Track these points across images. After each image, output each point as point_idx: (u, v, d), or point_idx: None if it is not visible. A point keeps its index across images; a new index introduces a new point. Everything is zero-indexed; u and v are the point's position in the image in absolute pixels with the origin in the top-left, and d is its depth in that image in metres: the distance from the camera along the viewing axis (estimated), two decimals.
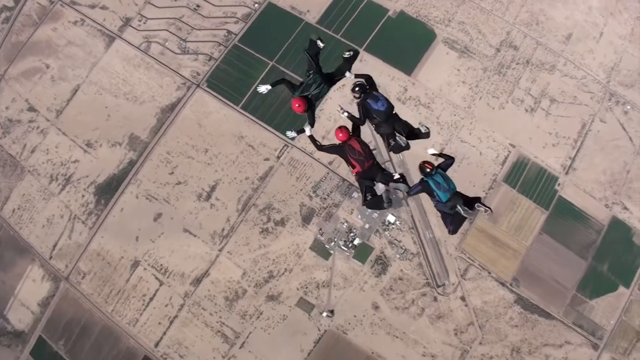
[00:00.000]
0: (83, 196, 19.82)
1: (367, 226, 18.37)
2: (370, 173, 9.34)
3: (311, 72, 9.55)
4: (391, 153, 16.29)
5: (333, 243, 18.39)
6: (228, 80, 20.04)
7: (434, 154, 10.03)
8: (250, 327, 18.40)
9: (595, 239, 18.87)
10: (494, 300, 18.17)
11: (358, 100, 9.75)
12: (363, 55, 19.88)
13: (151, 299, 18.97)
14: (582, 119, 19.66)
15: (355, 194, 18.56)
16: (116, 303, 19.15)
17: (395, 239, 18.47)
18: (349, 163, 9.33)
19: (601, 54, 20.25)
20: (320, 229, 18.55)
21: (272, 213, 18.93)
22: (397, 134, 9.82)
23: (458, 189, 9.91)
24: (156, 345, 18.72)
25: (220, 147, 19.49)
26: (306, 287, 18.45)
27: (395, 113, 9.75)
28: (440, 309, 18.15)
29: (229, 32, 20.57)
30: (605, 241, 18.85)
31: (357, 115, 9.99)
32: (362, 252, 18.33)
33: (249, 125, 19.61)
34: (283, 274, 18.58)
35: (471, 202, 9.67)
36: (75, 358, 19.09)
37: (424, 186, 9.41)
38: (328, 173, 18.70)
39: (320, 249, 18.53)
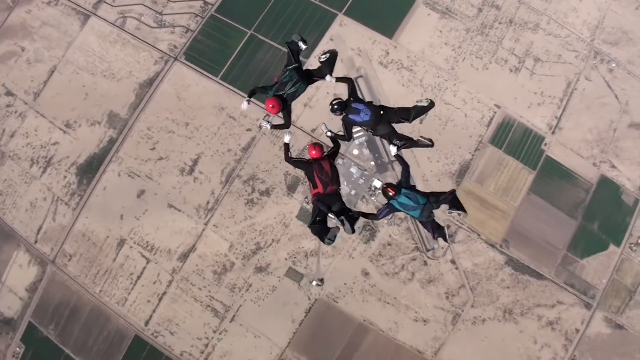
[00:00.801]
0: (65, 177, 19.15)
1: (353, 192, 17.78)
2: (329, 200, 8.87)
3: (288, 67, 8.86)
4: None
5: None
6: (206, 51, 19.33)
7: (392, 154, 9.31)
8: (240, 300, 17.87)
9: (584, 198, 18.39)
10: (485, 262, 17.68)
11: (340, 117, 9.17)
12: (343, 19, 19.16)
13: (139, 277, 18.40)
14: (567, 77, 19.10)
15: (340, 160, 17.89)
16: (104, 283, 18.57)
17: (382, 204, 17.85)
18: (312, 181, 8.87)
19: (585, 11, 19.64)
20: (306, 197, 17.96)
21: (257, 183, 18.31)
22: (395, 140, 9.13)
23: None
24: (146, 323, 18.22)
25: (201, 120, 18.81)
26: (294, 257, 17.90)
27: (385, 109, 9.21)
28: (430, 273, 17.65)
29: (205, 2, 19.84)
30: (594, 200, 18.38)
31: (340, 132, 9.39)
32: None
33: (230, 96, 18.91)
34: (270, 244, 18.01)
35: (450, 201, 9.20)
36: (65, 341, 18.54)
37: (391, 209, 9.11)
38: (311, 140, 18.01)
39: (307, 218, 17.90)
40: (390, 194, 8.88)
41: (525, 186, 18.22)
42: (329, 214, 8.87)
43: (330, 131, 9.33)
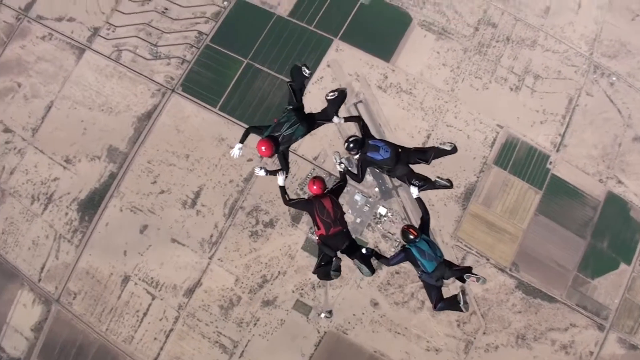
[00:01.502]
0: (66, 214, 18.54)
1: (358, 220, 17.16)
2: (335, 241, 7.90)
3: (288, 107, 8.02)
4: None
5: None
6: (203, 82, 18.77)
7: (414, 196, 8.41)
8: (248, 334, 17.23)
9: (592, 216, 17.79)
10: (495, 287, 17.04)
11: (356, 157, 8.31)
12: (339, 44, 18.62)
13: (145, 314, 17.77)
14: (568, 93, 18.55)
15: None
16: (110, 321, 17.94)
17: (389, 232, 17.28)
18: (314, 222, 7.93)
19: (581, 25, 19.09)
20: (311, 228, 17.32)
21: (260, 215, 17.69)
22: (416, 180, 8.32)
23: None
24: None
25: (201, 152, 18.23)
26: (302, 289, 17.27)
27: (403, 148, 8.38)
28: None
29: (200, 32, 19.25)
30: (602, 217, 17.79)
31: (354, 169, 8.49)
32: None
33: (229, 126, 18.33)
34: (277, 277, 17.39)
35: (461, 275, 8.36)
36: None
37: (407, 254, 8.07)
38: (314, 169, 17.46)
39: (313, 248, 17.30)
40: (412, 236, 7.94)
41: (532, 207, 17.61)
42: (339, 256, 7.91)
43: (342, 163, 8.43)
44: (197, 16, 19.44)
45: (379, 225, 17.22)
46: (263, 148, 7.72)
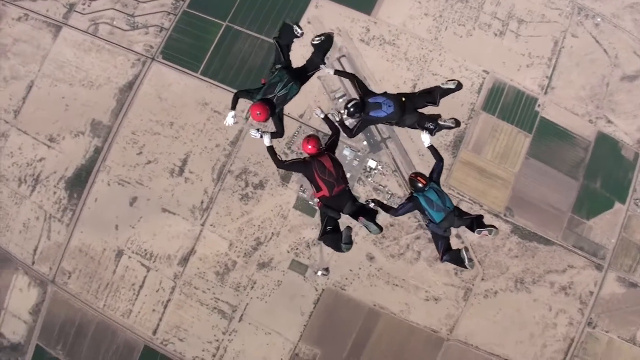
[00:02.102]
0: (55, 193, 18.14)
1: (348, 175, 16.77)
2: (338, 202, 7.35)
3: (277, 67, 7.52)
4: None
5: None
6: (183, 48, 18.32)
7: (427, 145, 7.96)
8: (246, 298, 16.97)
9: (583, 156, 17.50)
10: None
11: (358, 119, 7.75)
12: (318, 1, 18.13)
13: (141, 286, 17.50)
14: (553, 36, 18.16)
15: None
16: (106, 297, 17.67)
17: (380, 185, 16.96)
18: (314, 183, 7.33)
19: None
20: (302, 186, 17.01)
21: (250, 177, 17.34)
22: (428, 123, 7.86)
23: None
24: (154, 332, 17.35)
25: (186, 118, 17.82)
26: (297, 249, 16.98)
27: (407, 96, 7.86)
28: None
29: None
30: (594, 158, 17.51)
31: (345, 124, 7.78)
32: None
33: (212, 90, 17.91)
34: (271, 238, 17.08)
35: (472, 224, 7.79)
36: None
37: (414, 204, 7.61)
38: (300, 126, 17.13)
39: (305, 207, 17.03)
40: (420, 184, 7.46)
41: (523, 150, 17.31)
42: (342, 217, 7.36)
43: (333, 115, 7.88)
44: None
45: (369, 179, 16.89)
46: (258, 112, 7.18)
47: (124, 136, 18.04)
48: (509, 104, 17.48)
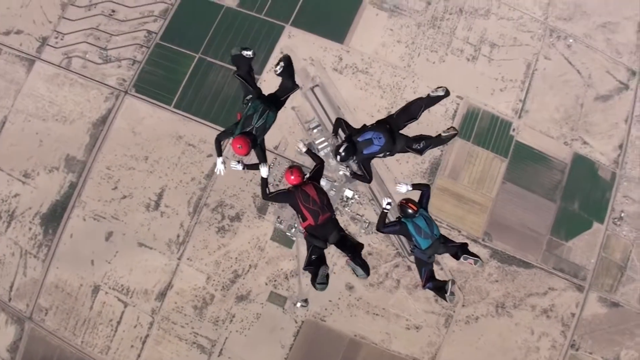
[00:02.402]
0: (30, 229, 17.89)
1: None
2: (324, 231, 7.46)
3: (248, 98, 7.67)
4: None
5: (294, 229, 16.58)
6: (156, 81, 18.21)
7: (409, 190, 8.07)
8: (225, 332, 16.74)
9: (560, 179, 17.53)
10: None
11: (354, 161, 7.97)
12: (291, 30, 18.17)
13: (118, 322, 17.19)
14: (525, 59, 18.29)
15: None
16: (84, 334, 17.34)
17: (357, 214, 16.87)
18: (299, 213, 7.52)
19: None
20: (278, 217, 16.76)
21: (226, 210, 17.19)
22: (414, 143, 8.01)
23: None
24: None
25: (160, 152, 17.67)
26: (275, 280, 16.80)
27: (387, 121, 8.06)
28: (415, 277, 16.58)
29: (149, 32, 18.69)
30: (570, 179, 17.54)
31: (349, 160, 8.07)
32: None
33: (185, 123, 17.80)
34: (248, 271, 16.91)
35: (456, 252, 7.87)
36: None
37: (401, 228, 7.75)
38: (276, 158, 16.97)
39: (282, 238, 16.88)
40: (410, 210, 7.56)
41: (499, 175, 17.30)
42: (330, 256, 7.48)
43: (305, 146, 8.17)
44: (145, 15, 18.89)
45: (346, 209, 16.78)
46: (239, 146, 7.27)
47: (99, 171, 17.86)
48: (484, 129, 17.51)
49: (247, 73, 7.74)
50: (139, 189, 17.70)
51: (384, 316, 16.54)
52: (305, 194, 7.37)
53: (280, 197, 7.70)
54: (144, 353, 17.02)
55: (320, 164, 7.78)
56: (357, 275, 7.46)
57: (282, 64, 7.73)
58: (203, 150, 17.70)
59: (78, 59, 18.97)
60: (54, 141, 18.41)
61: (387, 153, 7.83)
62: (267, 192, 7.53)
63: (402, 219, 7.67)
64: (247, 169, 7.64)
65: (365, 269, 7.57)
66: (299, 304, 16.43)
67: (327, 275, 7.45)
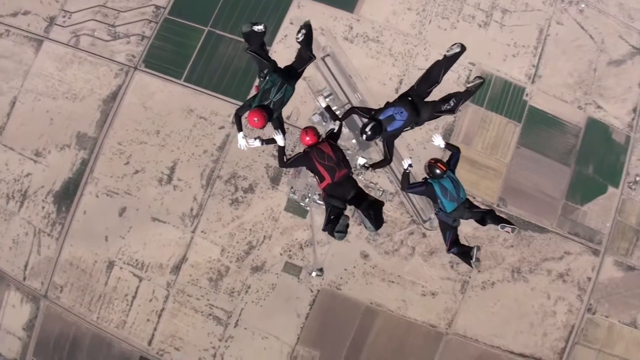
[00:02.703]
0: (43, 208, 17.94)
1: None
2: (342, 190, 7.29)
3: (265, 72, 7.46)
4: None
5: (307, 199, 16.67)
6: (165, 56, 18.15)
7: (441, 146, 8.02)
8: (241, 303, 16.77)
9: (574, 143, 17.39)
10: None
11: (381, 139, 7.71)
12: (300, 0, 17.98)
13: (134, 297, 17.26)
14: (538, 24, 18.07)
15: None
16: (100, 309, 17.44)
17: (371, 182, 16.81)
18: (316, 173, 7.32)
19: None
20: (292, 187, 16.83)
21: (239, 181, 17.15)
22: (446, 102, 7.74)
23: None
24: (149, 343, 17.11)
25: (171, 126, 17.65)
26: (289, 250, 16.79)
27: (409, 94, 7.77)
28: (431, 244, 16.58)
29: (156, 6, 18.62)
30: (585, 143, 17.40)
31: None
32: None
33: (196, 96, 17.75)
34: (263, 242, 16.89)
35: (483, 218, 7.72)
36: None
37: (427, 189, 7.59)
38: (288, 128, 16.78)
39: (296, 208, 16.85)
40: (439, 171, 7.45)
41: (513, 140, 17.18)
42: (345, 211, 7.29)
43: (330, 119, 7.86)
44: None
45: (360, 177, 16.72)
46: (255, 119, 7.08)
47: (110, 147, 17.87)
48: (497, 95, 17.37)
49: (260, 47, 7.59)
50: (151, 163, 17.70)
51: (399, 283, 16.50)
52: (320, 151, 7.28)
53: (297, 161, 7.53)
54: (160, 326, 17.09)
55: (339, 131, 7.69)
56: (365, 228, 7.34)
57: (303, 31, 7.72)
58: (214, 123, 17.65)
59: (86, 36, 18.93)
60: (65, 119, 18.41)
61: (414, 124, 7.62)
62: (285, 159, 7.43)
63: (429, 180, 7.45)
64: (265, 143, 7.51)
65: (377, 222, 7.38)
66: (314, 273, 16.47)
67: (347, 225, 7.31)
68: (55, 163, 18.19)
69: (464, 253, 7.85)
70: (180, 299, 16.98)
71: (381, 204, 7.79)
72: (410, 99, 7.55)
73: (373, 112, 7.60)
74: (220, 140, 17.50)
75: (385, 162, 7.73)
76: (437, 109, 7.66)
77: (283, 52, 17.26)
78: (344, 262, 16.52)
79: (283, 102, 7.41)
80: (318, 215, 16.57)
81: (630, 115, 17.73)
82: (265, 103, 7.21)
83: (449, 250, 8.06)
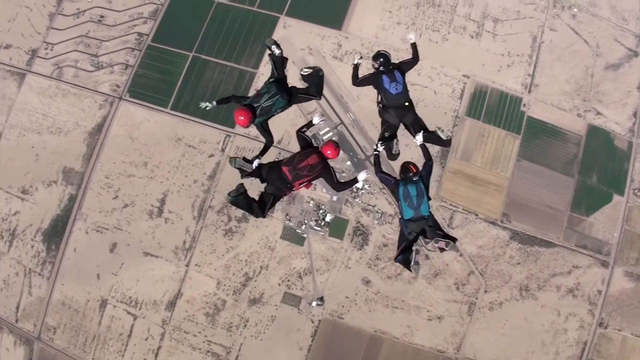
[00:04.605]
0: (32, 247, 17.24)
1: (335, 198, 15.94)
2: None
3: (269, 79, 8.00)
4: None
5: (304, 226, 15.94)
6: (150, 84, 17.54)
7: (421, 142, 8.14)
8: (240, 338, 16.00)
9: (576, 152, 16.73)
10: (489, 242, 15.89)
11: (375, 70, 8.45)
12: (286, 20, 17.44)
13: (129, 336, 16.49)
14: (531, 32, 17.52)
15: None
16: (95, 350, 16.68)
17: (369, 204, 16.10)
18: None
19: None
20: (287, 214, 16.11)
21: (231, 211, 16.46)
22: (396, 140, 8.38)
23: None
24: None
25: (160, 156, 16.98)
26: (288, 280, 16.05)
27: (411, 107, 8.43)
28: (434, 266, 15.84)
29: (139, 34, 18.01)
30: (587, 152, 16.75)
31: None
32: (337, 228, 15.89)
33: (184, 124, 17.10)
34: (260, 272, 16.14)
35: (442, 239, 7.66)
36: None
37: (395, 185, 7.79)
38: (280, 153, 16.20)
39: (293, 236, 16.13)
40: (410, 173, 7.61)
41: (513, 153, 16.52)
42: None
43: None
44: (134, 18, 18.20)
45: (357, 200, 16.03)
46: (240, 117, 7.51)
47: (98, 181, 17.17)
48: (494, 107, 16.73)
49: (280, 62, 8.11)
50: (140, 196, 16.98)
51: (403, 309, 15.74)
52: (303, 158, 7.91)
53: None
54: None
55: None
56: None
57: (310, 70, 8.23)
58: (204, 151, 16.95)
59: (69, 68, 18.29)
60: (51, 154, 17.73)
61: (383, 102, 8.63)
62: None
63: (400, 180, 7.66)
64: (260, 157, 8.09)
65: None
66: (314, 303, 15.70)
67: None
68: (43, 200, 17.50)
69: (405, 259, 7.58)
70: (176, 336, 16.19)
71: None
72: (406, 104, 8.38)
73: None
74: (211, 169, 16.81)
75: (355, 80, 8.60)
76: (415, 127, 8.35)
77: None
78: (345, 289, 15.78)
79: (270, 110, 7.73)
80: (316, 242, 15.84)
81: (631, 120, 17.10)
82: (255, 105, 7.57)
83: (395, 259, 7.83)
